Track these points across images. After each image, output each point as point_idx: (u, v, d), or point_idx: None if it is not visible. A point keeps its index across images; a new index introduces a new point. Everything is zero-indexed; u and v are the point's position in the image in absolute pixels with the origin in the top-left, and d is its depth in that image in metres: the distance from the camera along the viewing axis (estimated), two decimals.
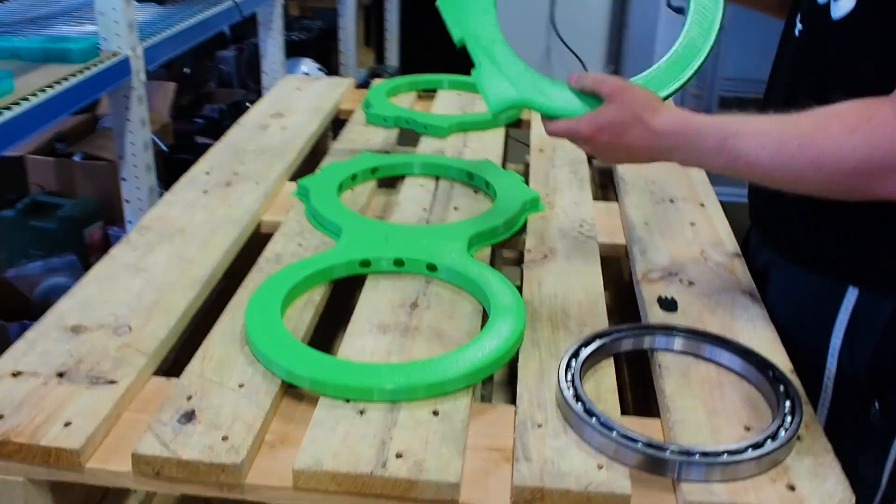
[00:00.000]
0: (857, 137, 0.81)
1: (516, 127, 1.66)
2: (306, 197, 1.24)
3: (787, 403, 0.83)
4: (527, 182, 1.33)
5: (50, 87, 1.51)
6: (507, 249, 1.30)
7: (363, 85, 3.39)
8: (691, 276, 1.07)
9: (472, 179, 1.31)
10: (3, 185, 2.37)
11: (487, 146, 1.48)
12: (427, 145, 1.49)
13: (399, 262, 1.07)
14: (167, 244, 1.13)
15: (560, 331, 0.96)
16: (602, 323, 0.98)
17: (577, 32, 4.37)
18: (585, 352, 0.89)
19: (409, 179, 1.35)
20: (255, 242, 1.19)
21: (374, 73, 3.57)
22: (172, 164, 2.43)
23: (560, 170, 1.39)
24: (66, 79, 1.58)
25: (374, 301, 1.01)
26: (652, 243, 1.15)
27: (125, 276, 1.05)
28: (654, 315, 0.99)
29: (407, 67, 4.11)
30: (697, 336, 0.92)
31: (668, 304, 1.00)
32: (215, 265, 1.08)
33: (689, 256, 1.12)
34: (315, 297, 1.02)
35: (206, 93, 3.12)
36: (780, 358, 0.92)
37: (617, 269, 1.42)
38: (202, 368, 0.89)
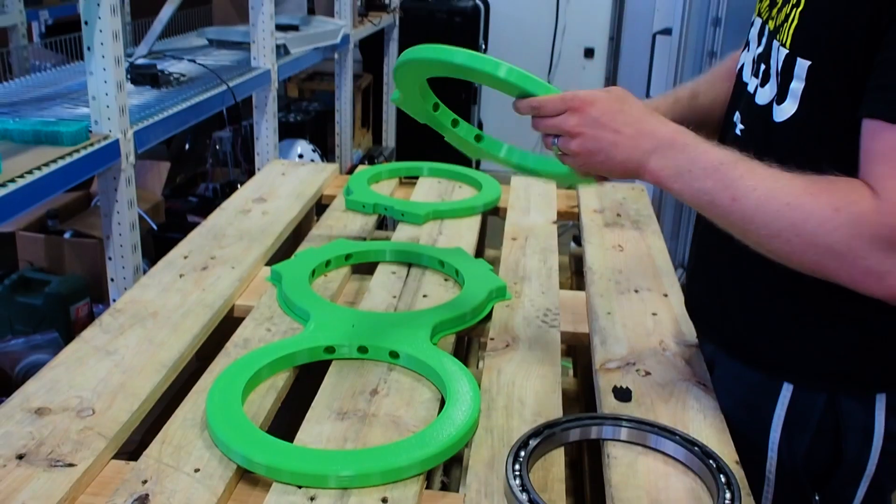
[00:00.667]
0: (840, 217, 0.79)
1: (493, 214, 1.70)
2: (279, 282, 1.27)
3: (727, 495, 0.84)
4: (497, 270, 1.37)
5: (38, 168, 1.56)
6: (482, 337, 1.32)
7: (356, 166, 3.47)
8: (648, 366, 1.09)
9: (444, 267, 1.35)
10: None
11: (462, 234, 1.52)
12: (403, 232, 1.52)
13: (363, 349, 1.09)
14: (138, 327, 1.16)
15: (514, 419, 0.98)
16: (557, 412, 1.00)
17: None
18: (535, 441, 0.91)
19: (382, 266, 1.38)
20: (228, 326, 1.22)
21: (370, 155, 3.65)
22: (161, 242, 2.48)
23: (531, 258, 1.43)
24: (55, 161, 1.63)
25: (335, 387, 1.04)
26: (613, 333, 1.18)
27: (94, 358, 1.08)
28: (608, 404, 1.01)
29: (403, 148, 4.20)
30: (644, 426, 0.94)
31: (623, 394, 1.03)
32: (184, 349, 1.11)
33: (647, 346, 1.14)
34: (279, 383, 1.05)
35: (202, 171, 3.19)
36: (726, 449, 0.93)
37: (588, 357, 1.44)
38: (160, 452, 0.91)
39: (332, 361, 1.09)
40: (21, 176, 1.54)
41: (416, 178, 1.82)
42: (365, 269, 1.41)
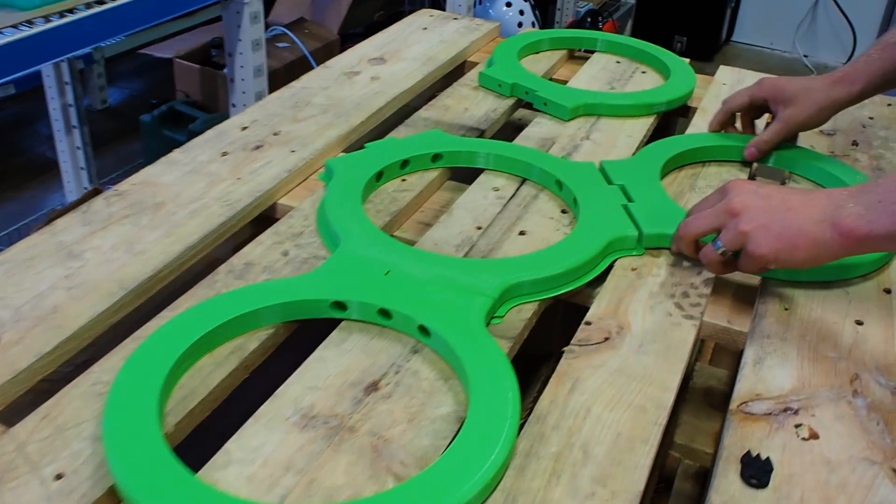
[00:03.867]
0: None
1: (681, 115, 1.25)
2: (329, 183, 0.94)
3: None
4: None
5: None
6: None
7: (578, 23, 3.00)
8: (819, 422, 0.67)
9: (561, 190, 0.95)
10: (155, 87, 2.24)
11: (618, 141, 1.10)
12: (539, 128, 1.12)
13: (385, 314, 0.74)
14: (129, 224, 0.87)
15: (561, 484, 0.61)
16: (635, 488, 0.61)
17: None
18: None
19: (486, 177, 1.00)
20: (259, 232, 0.91)
21: (594, 12, 3.14)
22: None
23: (700, 194, 1.00)
24: None
25: (323, 367, 0.70)
26: (782, 346, 0.75)
27: (47, 261, 0.81)
28: (726, 487, 0.61)
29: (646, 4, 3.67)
30: None
31: (755, 471, 0.62)
32: (162, 266, 0.81)
33: (830, 381, 0.71)
34: (249, 345, 0.73)
35: (401, 10, 2.85)
36: None
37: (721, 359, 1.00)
38: (30, 434, 0.63)
39: (341, 322, 0.76)
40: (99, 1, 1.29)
41: (590, 52, 1.39)
42: (470, 174, 1.04)
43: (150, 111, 2.14)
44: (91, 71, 2.81)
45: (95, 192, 1.82)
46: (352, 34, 2.53)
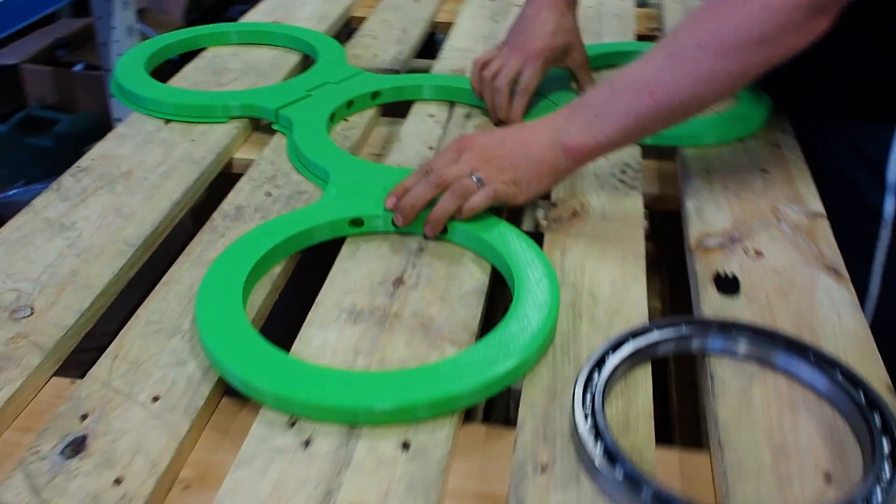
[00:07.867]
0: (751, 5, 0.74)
1: None
2: (288, 131, 1.01)
3: (886, 444, 0.59)
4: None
5: None
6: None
7: None
8: (759, 244, 0.82)
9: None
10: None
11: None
12: (448, 63, 1.23)
13: None
14: (105, 193, 0.92)
15: (584, 322, 0.73)
16: (641, 312, 0.74)
17: None
18: (614, 359, 0.67)
19: (419, 106, 1.11)
20: (224, 186, 0.97)
21: None
22: None
23: None
24: None
25: (348, 276, 0.79)
26: (712, 197, 0.90)
27: (43, 236, 0.85)
28: (709, 299, 0.75)
29: None
30: (765, 338, 0.68)
31: (728, 285, 0.76)
32: (158, 222, 0.87)
33: (757, 216, 0.87)
34: (274, 270, 0.81)
35: None
36: (873, 368, 0.68)
37: (668, 225, 1.16)
38: (110, 371, 0.69)
39: (344, 240, 0.84)
40: None
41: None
42: (397, 110, 1.14)
43: (3, 121, 2.09)
44: None
45: None
46: (190, 21, 2.53)
